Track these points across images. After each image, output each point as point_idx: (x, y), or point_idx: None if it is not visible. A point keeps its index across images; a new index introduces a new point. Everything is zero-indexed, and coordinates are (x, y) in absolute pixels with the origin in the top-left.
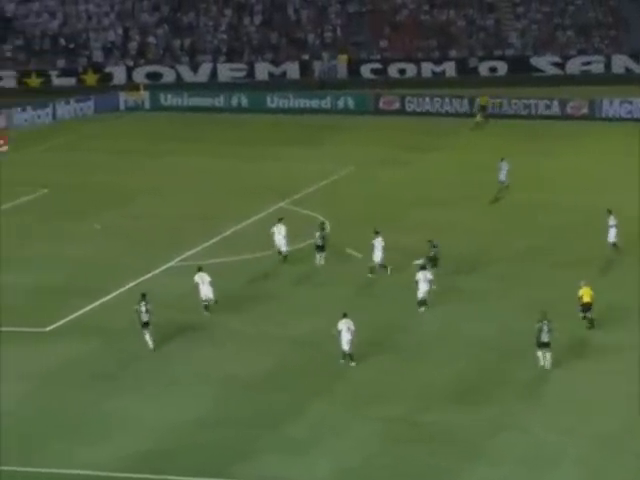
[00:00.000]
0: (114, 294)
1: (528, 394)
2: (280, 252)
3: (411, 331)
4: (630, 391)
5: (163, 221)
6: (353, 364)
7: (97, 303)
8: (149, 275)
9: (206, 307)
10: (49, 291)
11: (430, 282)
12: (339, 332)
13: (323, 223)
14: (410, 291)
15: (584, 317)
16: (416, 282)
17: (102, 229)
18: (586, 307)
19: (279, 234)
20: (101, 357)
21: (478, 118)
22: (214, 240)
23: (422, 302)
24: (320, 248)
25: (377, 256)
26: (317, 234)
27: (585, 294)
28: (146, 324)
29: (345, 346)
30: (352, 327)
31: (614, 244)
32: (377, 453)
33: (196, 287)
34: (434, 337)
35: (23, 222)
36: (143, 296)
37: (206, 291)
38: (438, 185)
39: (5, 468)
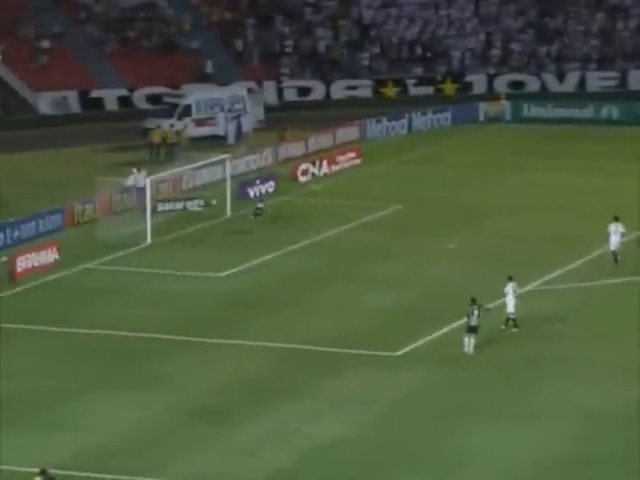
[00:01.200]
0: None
1: None
2: (613, 253)
3: None
4: None
5: (522, 241)
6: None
7: (448, 328)
8: (505, 299)
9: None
10: (400, 313)
11: None
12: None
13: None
14: None
15: None
16: None
17: (456, 249)
18: None
19: (615, 234)
20: (453, 384)
21: None
22: (577, 263)
23: None
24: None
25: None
26: (475, 312)
27: None
28: (472, 329)
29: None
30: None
31: None
32: None
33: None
34: None
35: (374, 239)
36: (473, 301)
37: None
38: None
39: None
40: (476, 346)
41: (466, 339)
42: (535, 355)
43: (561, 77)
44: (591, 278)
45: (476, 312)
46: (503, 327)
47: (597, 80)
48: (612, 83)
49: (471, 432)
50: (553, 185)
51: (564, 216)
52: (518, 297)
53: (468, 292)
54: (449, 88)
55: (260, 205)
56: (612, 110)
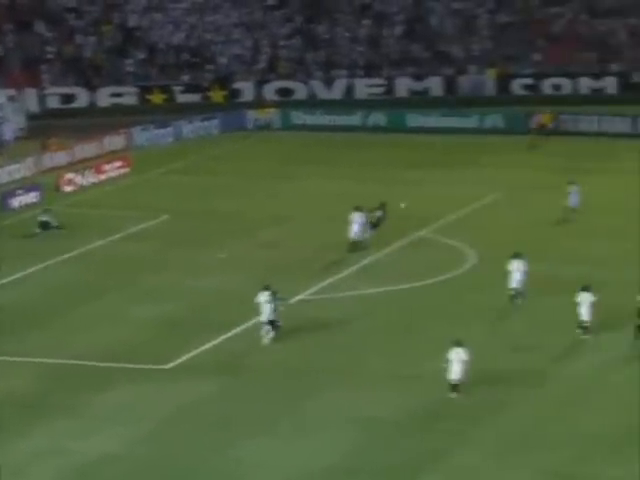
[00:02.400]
0: (239, 329)
1: None
2: (354, 241)
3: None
4: None
5: (294, 250)
6: (454, 395)
7: (221, 339)
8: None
9: None
10: (171, 325)
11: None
12: (449, 362)
13: (384, 204)
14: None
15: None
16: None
17: (227, 258)
18: None
19: (355, 223)
20: (227, 397)
21: (533, 137)
22: (351, 270)
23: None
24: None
25: (516, 281)
26: (377, 214)
27: None
28: (270, 322)
29: (453, 375)
30: (464, 357)
31: None
32: None
33: None
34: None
35: (142, 250)
36: (274, 293)
37: None
38: (594, 213)
39: None
40: (273, 339)
41: (263, 331)
42: (310, 364)
43: (329, 84)
44: (361, 287)
45: (273, 305)
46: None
47: (364, 87)
48: (379, 90)
49: (246, 444)
50: (324, 193)
51: (335, 224)
52: (285, 305)
53: (240, 302)
54: (217, 95)
55: (44, 218)
56: (379, 117)
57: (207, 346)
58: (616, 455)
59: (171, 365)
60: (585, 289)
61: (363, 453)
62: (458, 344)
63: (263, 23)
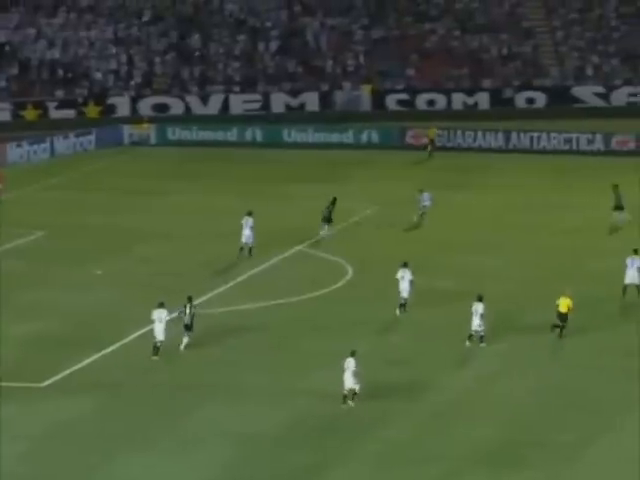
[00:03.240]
0: (116, 346)
1: (569, 456)
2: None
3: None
4: None
5: (170, 266)
6: (351, 404)
7: (98, 355)
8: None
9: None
10: (47, 342)
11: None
12: (343, 371)
13: (335, 199)
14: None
15: (555, 325)
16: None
17: (103, 275)
18: (561, 317)
19: (246, 226)
20: (104, 414)
21: (429, 151)
22: (228, 286)
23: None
24: (326, 220)
25: (404, 290)
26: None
27: (562, 304)
28: (186, 327)
29: (347, 384)
30: (353, 367)
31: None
32: None
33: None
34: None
35: (18, 267)
36: (189, 299)
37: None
38: (468, 227)
39: None
40: (187, 345)
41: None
42: (189, 381)
43: (205, 99)
44: (238, 302)
45: (189, 311)
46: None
47: (240, 102)
48: (255, 105)
49: (123, 461)
50: (200, 208)
51: (212, 239)
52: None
53: (117, 319)
54: (92, 111)
55: None
56: (256, 132)
57: (84, 363)
58: (490, 468)
59: (47, 383)
60: (479, 299)
61: (242, 468)
62: (352, 354)
63: (138, 38)
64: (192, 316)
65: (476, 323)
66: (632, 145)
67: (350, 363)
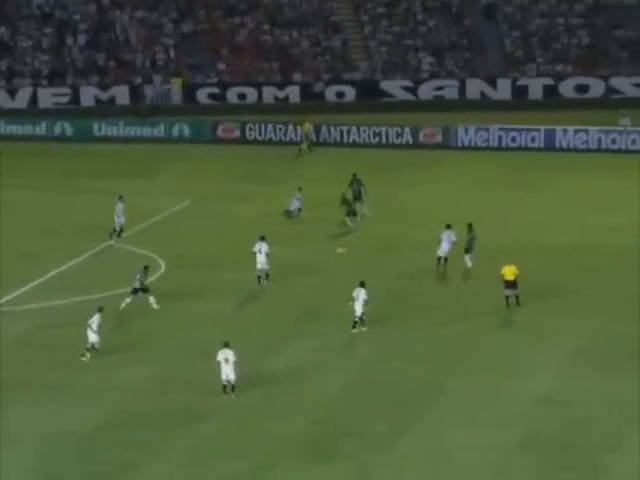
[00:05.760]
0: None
1: (381, 446)
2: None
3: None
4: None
5: None
6: (232, 396)
7: None
8: None
9: None
10: None
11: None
12: (218, 363)
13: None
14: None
15: (507, 296)
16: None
17: None
18: (509, 285)
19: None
20: None
21: (304, 146)
22: (37, 282)
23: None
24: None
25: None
26: (138, 276)
27: (508, 272)
28: (135, 290)
29: (224, 377)
30: (232, 358)
31: None
32: None
33: None
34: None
35: None
36: (145, 268)
37: None
38: (281, 221)
39: None
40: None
41: (130, 299)
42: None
43: (12, 93)
44: (51, 298)
45: (138, 276)
46: None
47: (49, 96)
48: (64, 99)
49: None
50: (8, 204)
51: (21, 235)
52: None
53: None
54: None
55: None
56: (65, 126)
57: None
58: (302, 461)
59: None
60: (362, 285)
61: (55, 466)
62: (226, 345)
63: None
64: (140, 281)
65: (357, 308)
66: (439, 138)
67: (227, 354)
